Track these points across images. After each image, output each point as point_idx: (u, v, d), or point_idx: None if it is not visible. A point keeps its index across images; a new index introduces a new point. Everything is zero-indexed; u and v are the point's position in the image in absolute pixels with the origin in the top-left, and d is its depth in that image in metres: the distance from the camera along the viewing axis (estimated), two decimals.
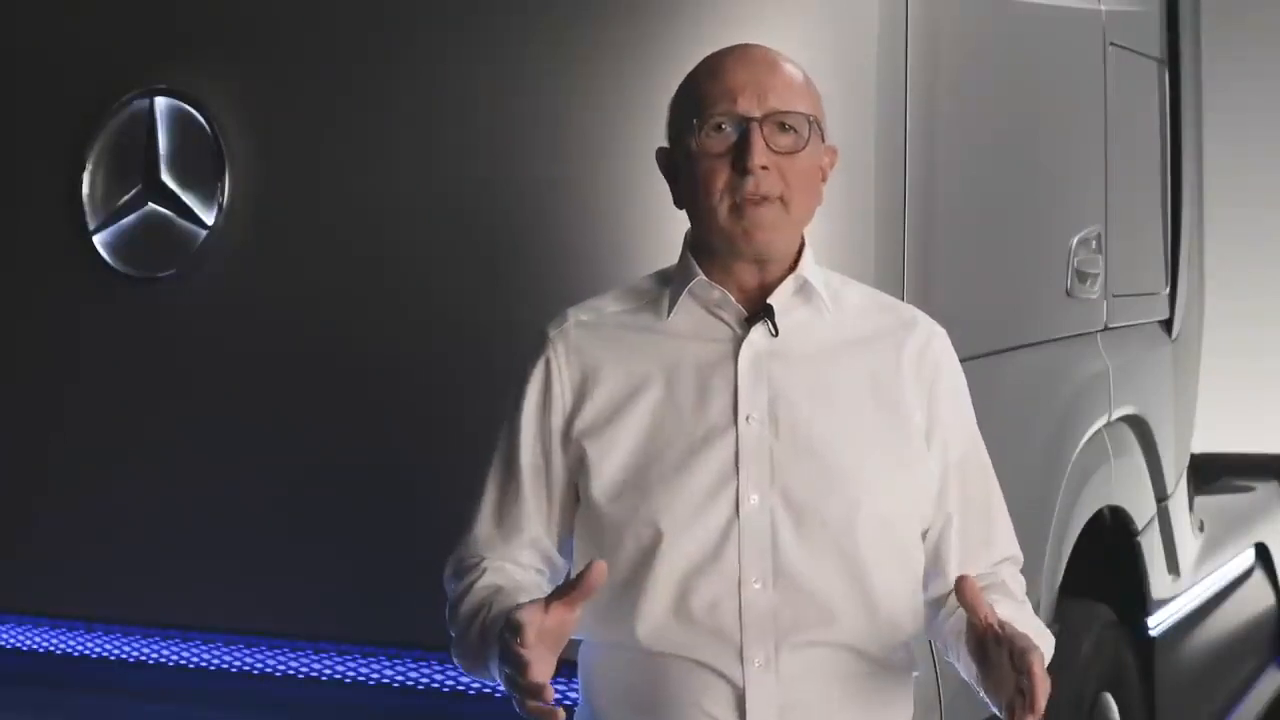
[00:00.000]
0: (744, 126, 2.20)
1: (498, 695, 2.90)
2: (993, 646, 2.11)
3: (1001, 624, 2.11)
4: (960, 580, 2.12)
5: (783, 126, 2.22)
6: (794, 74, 2.26)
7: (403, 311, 3.13)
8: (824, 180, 2.29)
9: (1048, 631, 2.37)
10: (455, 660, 2.33)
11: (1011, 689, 2.09)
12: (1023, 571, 2.44)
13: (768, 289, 2.27)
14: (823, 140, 2.27)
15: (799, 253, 2.29)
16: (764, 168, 2.19)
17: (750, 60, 2.26)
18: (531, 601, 2.08)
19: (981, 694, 2.21)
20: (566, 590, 2.08)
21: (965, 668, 2.23)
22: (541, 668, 2.05)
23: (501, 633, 2.09)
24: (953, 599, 2.26)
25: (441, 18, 3.13)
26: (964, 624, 2.19)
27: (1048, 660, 2.28)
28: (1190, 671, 4.72)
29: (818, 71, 2.33)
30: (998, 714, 2.17)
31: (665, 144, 2.32)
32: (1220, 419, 5.21)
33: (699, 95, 2.25)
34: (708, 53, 2.31)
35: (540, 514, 2.33)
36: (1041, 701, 2.08)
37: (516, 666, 2.05)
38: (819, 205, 2.29)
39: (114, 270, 3.35)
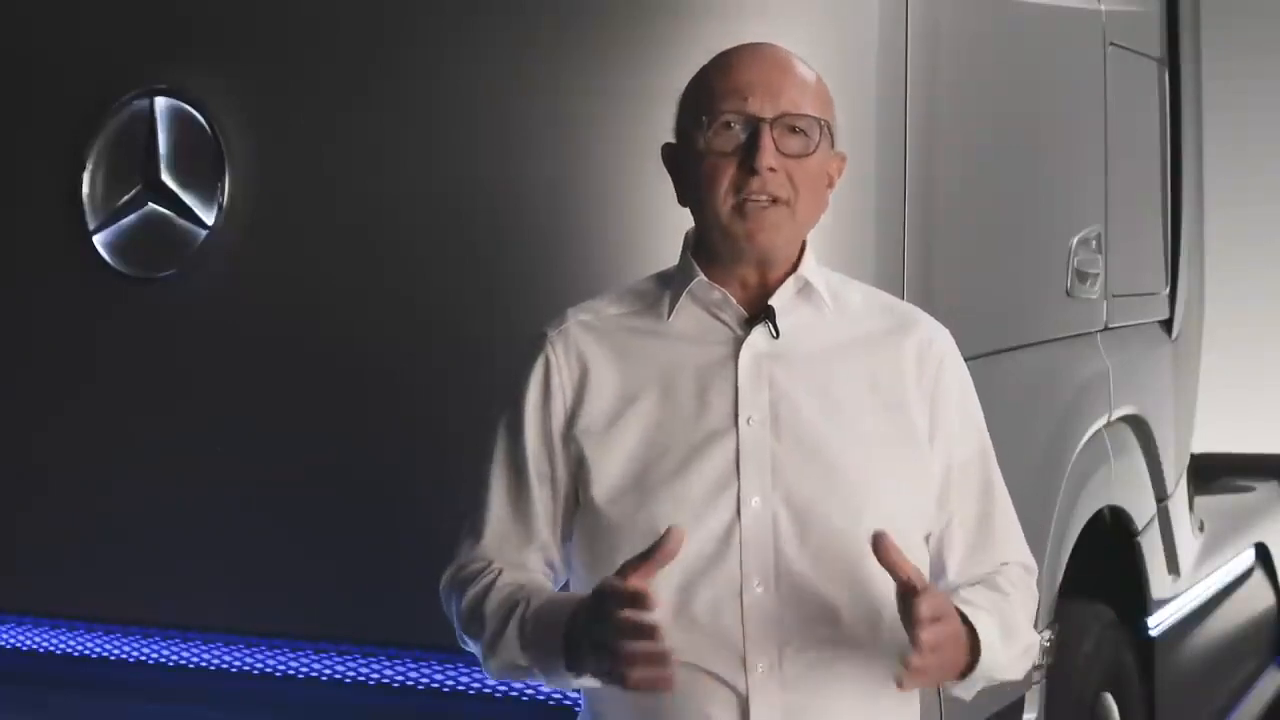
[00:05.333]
0: (754, 126, 2.19)
1: (498, 695, 2.90)
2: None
3: (923, 582, 2.09)
4: (877, 538, 2.08)
5: (793, 130, 2.20)
6: (807, 76, 2.24)
7: (403, 311, 3.13)
8: (831, 187, 2.28)
9: (1026, 627, 2.31)
10: (490, 663, 2.26)
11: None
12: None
13: (768, 289, 2.26)
14: (832, 146, 2.26)
15: (800, 253, 2.28)
16: (772, 170, 2.18)
17: (763, 59, 2.24)
18: (612, 576, 2.05)
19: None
20: (643, 562, 2.05)
21: None
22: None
23: (602, 601, 2.06)
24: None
25: (441, 18, 3.13)
26: None
27: (1027, 661, 2.29)
28: (1190, 671, 4.72)
29: (818, 71, 2.33)
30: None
31: (671, 140, 2.31)
32: (1220, 419, 5.21)
33: (709, 91, 2.23)
34: (708, 53, 2.30)
35: (548, 518, 2.32)
36: (924, 638, 2.05)
37: (633, 632, 2.01)
38: (824, 211, 2.28)
39: (114, 270, 3.34)
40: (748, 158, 2.18)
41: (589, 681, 2.16)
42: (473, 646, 2.30)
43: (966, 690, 2.25)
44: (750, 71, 2.22)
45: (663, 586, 2.18)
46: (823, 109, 2.24)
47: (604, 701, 2.29)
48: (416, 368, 3.11)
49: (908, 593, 2.07)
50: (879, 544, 2.07)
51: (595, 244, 3.01)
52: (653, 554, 2.06)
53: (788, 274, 2.27)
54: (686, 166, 2.25)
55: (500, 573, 2.28)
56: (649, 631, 2.02)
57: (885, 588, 2.21)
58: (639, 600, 2.02)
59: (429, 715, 3.13)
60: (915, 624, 2.05)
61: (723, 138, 2.20)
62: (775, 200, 2.19)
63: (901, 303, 2.46)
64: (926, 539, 2.32)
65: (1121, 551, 4.10)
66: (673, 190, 2.32)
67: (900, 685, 2.10)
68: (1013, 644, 2.25)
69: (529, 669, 2.21)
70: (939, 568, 2.32)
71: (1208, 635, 4.96)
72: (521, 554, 2.32)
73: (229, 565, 3.25)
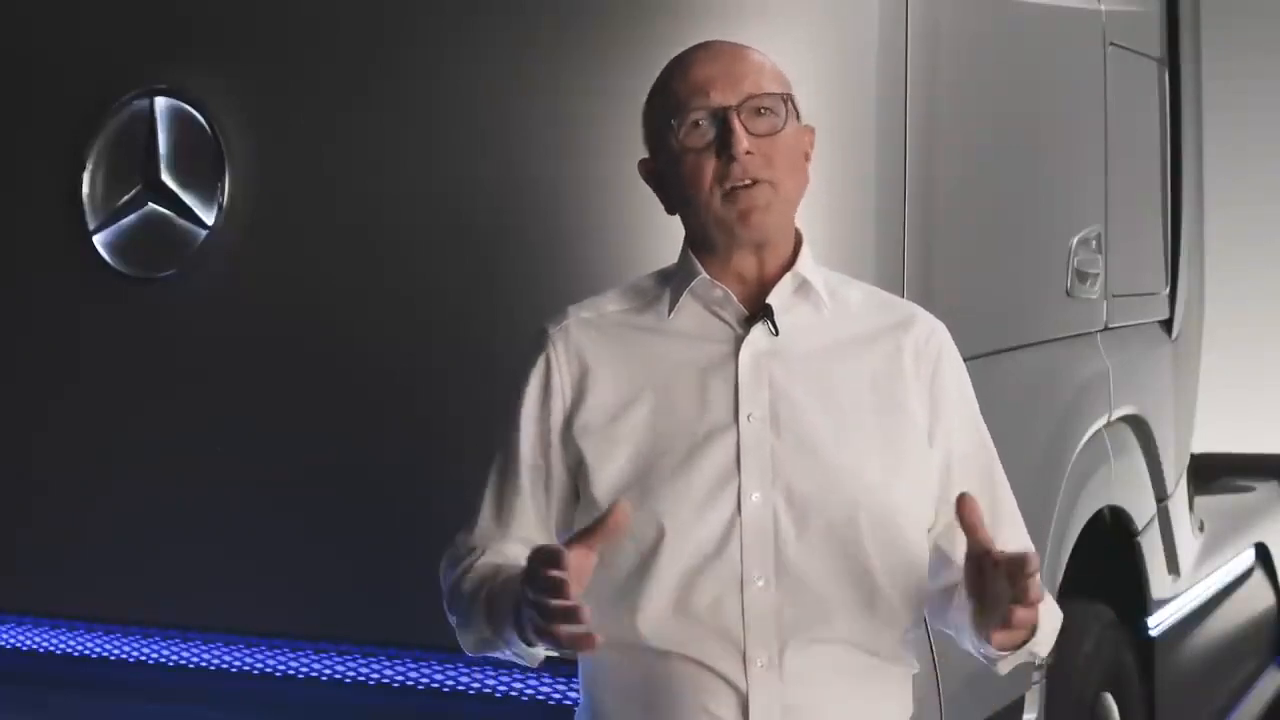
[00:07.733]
0: (722, 117, 2.22)
1: (498, 694, 2.90)
2: (989, 570, 2.10)
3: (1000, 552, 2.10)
4: (961, 499, 2.10)
5: (759, 111, 2.24)
6: (761, 59, 2.29)
7: (403, 311, 3.13)
8: (807, 160, 2.31)
9: (1055, 608, 2.32)
10: (464, 639, 2.31)
11: (1006, 605, 2.08)
12: None
13: (767, 283, 2.28)
14: (799, 119, 2.29)
15: (797, 249, 2.30)
16: (749, 153, 2.21)
17: (716, 53, 2.28)
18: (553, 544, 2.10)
19: (979, 653, 2.23)
20: (589, 532, 2.09)
21: (970, 633, 2.21)
22: (574, 590, 2.04)
23: (530, 563, 2.08)
24: (962, 590, 2.26)
25: (441, 18, 3.13)
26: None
27: (1052, 640, 2.29)
28: (1190, 671, 4.72)
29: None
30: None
31: (645, 155, 2.33)
32: (1220, 419, 5.21)
33: (672, 96, 2.27)
34: None
35: (537, 513, 2.34)
36: (1033, 594, 2.07)
37: (550, 588, 2.03)
38: (807, 185, 2.31)
39: (114, 270, 3.35)
40: (723, 147, 2.21)
41: (542, 651, 2.19)
42: (455, 626, 2.34)
43: (1009, 664, 2.26)
44: (706, 67, 2.26)
45: (664, 580, 2.21)
46: (783, 86, 2.28)
47: (603, 696, 2.30)
48: (416, 368, 3.11)
49: (1012, 570, 2.07)
50: (963, 505, 2.09)
51: (595, 243, 3.01)
52: (598, 527, 2.09)
53: (784, 266, 2.29)
54: (666, 173, 2.28)
55: (482, 555, 2.32)
56: (559, 589, 2.03)
57: (883, 581, 2.24)
58: (554, 559, 2.04)
59: (429, 715, 3.13)
60: (1024, 603, 2.06)
61: (695, 135, 2.23)
62: (758, 181, 2.22)
63: (899, 300, 2.47)
64: (928, 533, 2.33)
65: (1121, 551, 4.10)
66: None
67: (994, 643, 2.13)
68: (1050, 622, 2.27)
69: (494, 640, 2.25)
70: (941, 562, 2.33)
71: (1208, 635, 4.96)
72: (506, 545, 2.33)
73: (229, 565, 3.26)
